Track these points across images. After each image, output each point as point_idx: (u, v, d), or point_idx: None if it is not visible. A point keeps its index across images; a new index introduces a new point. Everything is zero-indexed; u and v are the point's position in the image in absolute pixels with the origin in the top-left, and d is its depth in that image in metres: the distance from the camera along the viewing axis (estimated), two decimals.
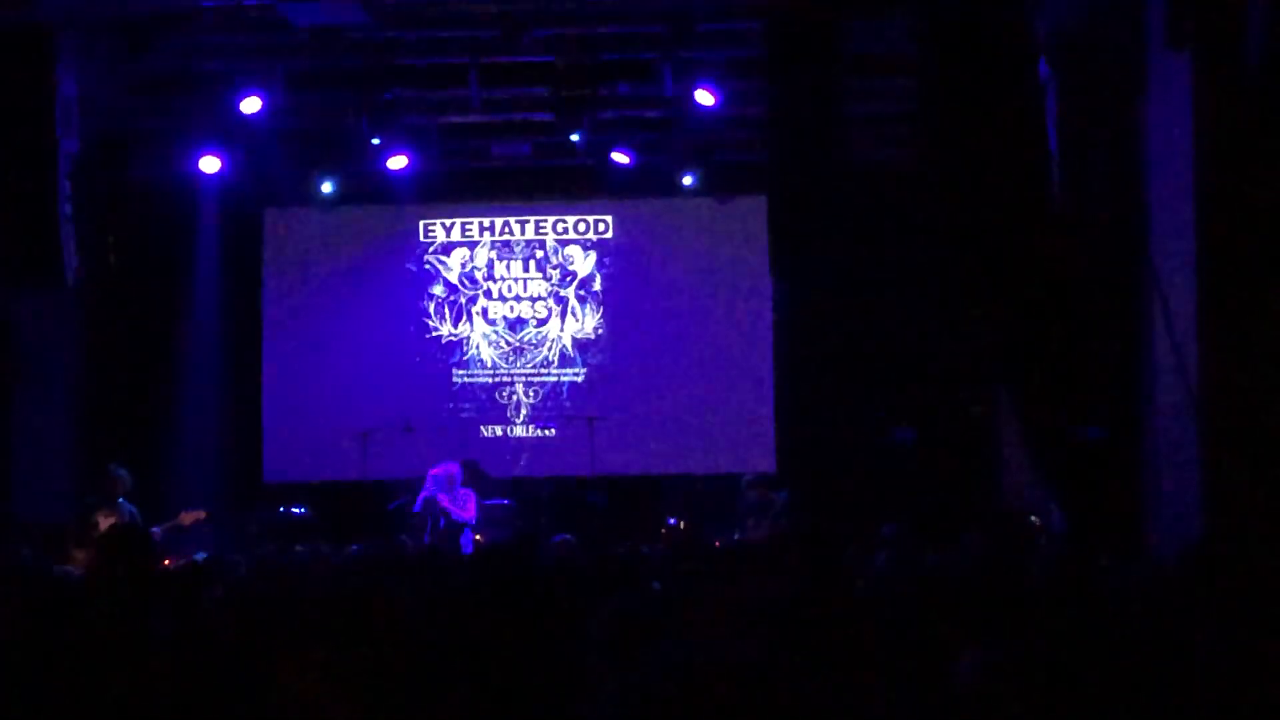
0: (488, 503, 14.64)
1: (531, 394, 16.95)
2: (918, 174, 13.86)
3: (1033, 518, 12.76)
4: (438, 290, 17.05)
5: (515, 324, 17.04)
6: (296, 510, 15.42)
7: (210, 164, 15.69)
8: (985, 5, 11.94)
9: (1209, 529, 9.81)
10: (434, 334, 17.02)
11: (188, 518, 12.46)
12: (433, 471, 14.34)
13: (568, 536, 10.95)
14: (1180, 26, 10.32)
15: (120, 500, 12.41)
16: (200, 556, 10.26)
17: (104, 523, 11.74)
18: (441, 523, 13.95)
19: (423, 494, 14.24)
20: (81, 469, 14.60)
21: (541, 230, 17.10)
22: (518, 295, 17.08)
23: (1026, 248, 11.73)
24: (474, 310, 17.03)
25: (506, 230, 17.12)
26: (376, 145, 15.52)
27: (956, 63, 11.86)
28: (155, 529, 12.03)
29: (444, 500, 14.10)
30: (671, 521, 14.84)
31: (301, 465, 16.71)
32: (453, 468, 14.39)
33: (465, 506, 14.23)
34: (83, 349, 15.79)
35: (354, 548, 11.21)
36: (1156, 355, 11.06)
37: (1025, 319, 11.76)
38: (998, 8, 11.94)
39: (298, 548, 11.28)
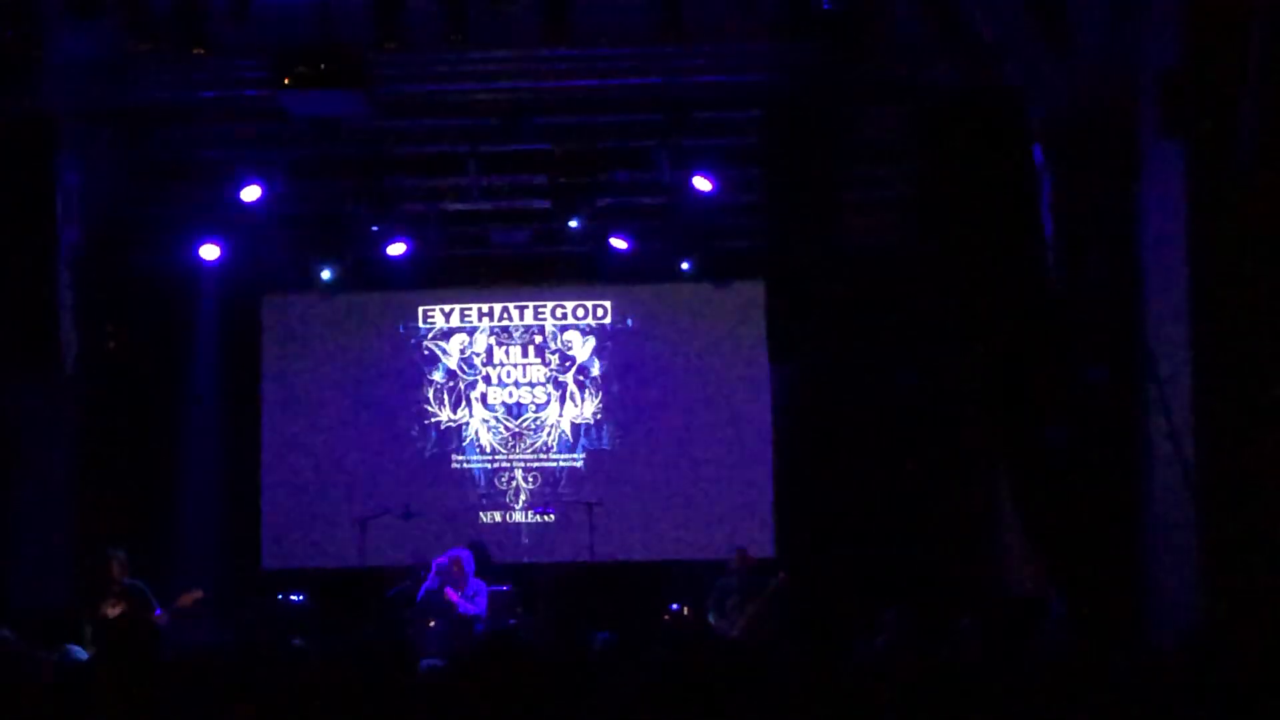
0: (491, 589, 14.33)
1: (530, 480, 16.92)
2: (914, 260, 13.92)
3: (1031, 585, 12.72)
4: (437, 376, 17.06)
5: (514, 409, 17.02)
6: (295, 597, 15.34)
7: (210, 251, 15.74)
8: (980, 93, 12.06)
9: (1207, 616, 9.80)
10: (433, 419, 17.00)
11: (187, 599, 12.45)
12: (437, 561, 14.00)
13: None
14: (1174, 114, 10.40)
15: (125, 581, 12.35)
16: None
17: (111, 612, 11.73)
18: (437, 621, 13.58)
19: (425, 585, 13.98)
20: (79, 556, 14.52)
21: (540, 316, 17.12)
22: (517, 381, 17.07)
23: (1022, 333, 11.78)
24: (473, 396, 17.03)
25: (505, 316, 17.13)
26: (376, 232, 15.60)
27: (952, 149, 11.96)
28: (160, 611, 12.03)
29: (451, 594, 13.70)
30: (675, 607, 14.72)
31: (300, 552, 16.63)
32: (462, 555, 14.01)
33: (476, 601, 13.80)
34: (81, 435, 15.75)
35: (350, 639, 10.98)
36: (1153, 442, 11.07)
37: (1021, 404, 11.79)
38: (992, 95, 12.05)
39: (295, 641, 11.14)
